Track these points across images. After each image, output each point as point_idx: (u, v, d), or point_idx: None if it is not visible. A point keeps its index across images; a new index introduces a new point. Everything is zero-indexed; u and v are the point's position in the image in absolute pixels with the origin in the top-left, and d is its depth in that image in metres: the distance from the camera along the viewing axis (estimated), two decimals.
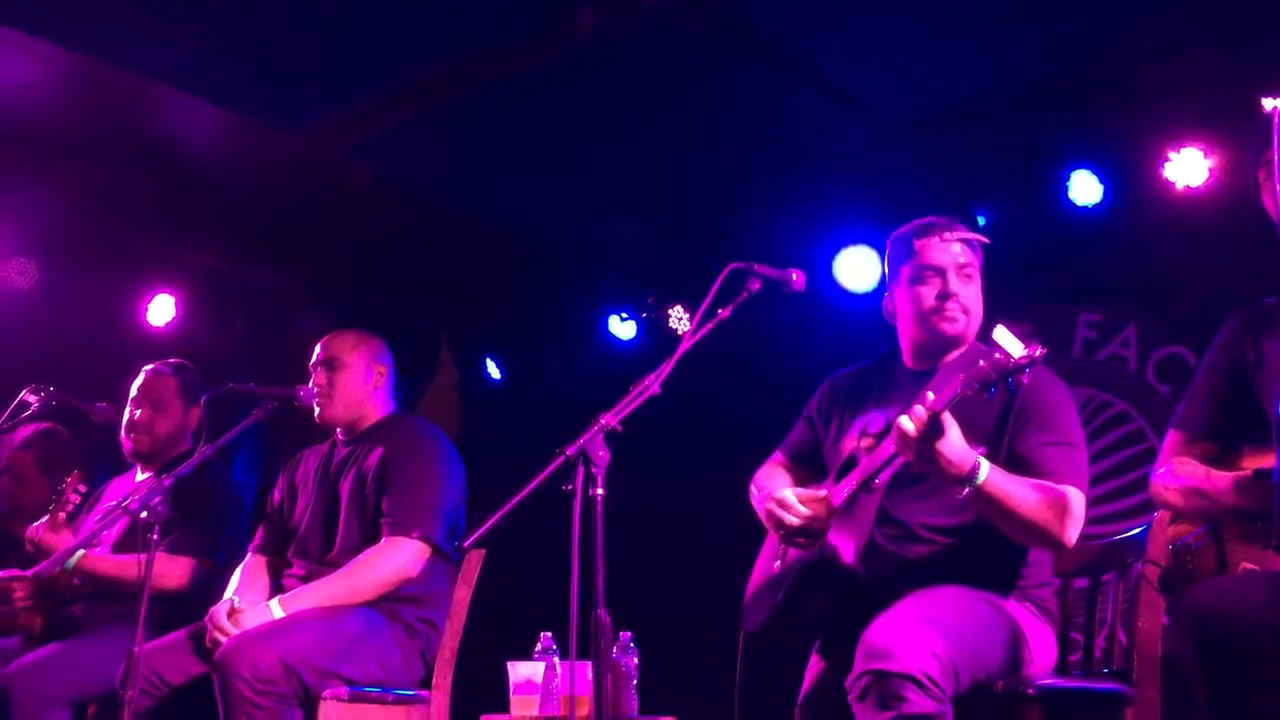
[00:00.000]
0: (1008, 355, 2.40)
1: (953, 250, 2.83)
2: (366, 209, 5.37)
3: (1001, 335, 2.43)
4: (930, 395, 2.46)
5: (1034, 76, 4.47)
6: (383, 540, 3.29)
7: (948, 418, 2.45)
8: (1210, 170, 4.30)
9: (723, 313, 2.61)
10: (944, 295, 2.81)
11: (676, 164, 5.16)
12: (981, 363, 2.43)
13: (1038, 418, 2.69)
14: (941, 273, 2.82)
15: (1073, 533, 2.59)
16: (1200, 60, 4.10)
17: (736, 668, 2.89)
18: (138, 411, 3.83)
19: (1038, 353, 2.39)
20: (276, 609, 3.19)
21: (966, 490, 2.50)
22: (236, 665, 2.96)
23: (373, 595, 3.27)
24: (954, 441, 2.46)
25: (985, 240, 2.89)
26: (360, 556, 3.29)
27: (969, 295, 2.83)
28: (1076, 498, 2.60)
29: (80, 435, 4.22)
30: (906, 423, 2.45)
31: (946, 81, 4.58)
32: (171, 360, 3.96)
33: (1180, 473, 2.64)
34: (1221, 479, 2.53)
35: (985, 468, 2.50)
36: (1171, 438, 2.74)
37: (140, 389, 3.86)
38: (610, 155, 5.11)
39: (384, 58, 4.45)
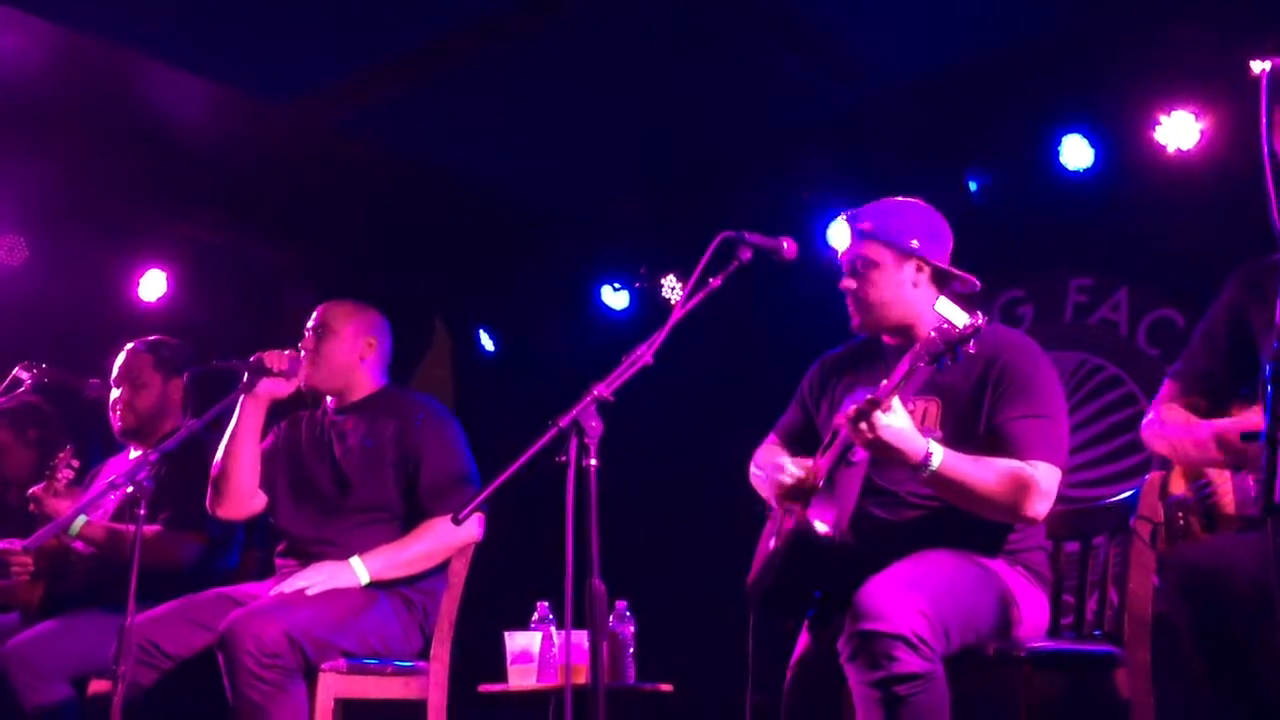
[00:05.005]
0: (952, 326, 2.43)
1: (847, 245, 2.90)
2: (357, 182, 5.36)
3: (944, 306, 2.47)
4: (883, 382, 2.50)
5: (1024, 40, 4.47)
6: (440, 519, 3.34)
7: (896, 404, 2.48)
8: (1201, 133, 4.29)
9: (714, 282, 2.61)
10: (843, 292, 2.90)
11: (670, 132, 5.15)
12: (933, 334, 2.47)
13: (1013, 389, 2.71)
14: (840, 269, 2.91)
15: (1038, 507, 2.61)
16: (1191, 22, 4.08)
17: (749, 650, 2.91)
18: (118, 391, 3.86)
19: (980, 320, 2.43)
20: (360, 568, 3.25)
21: (922, 476, 2.54)
22: (242, 639, 2.97)
23: (443, 558, 3.37)
24: (903, 430, 2.49)
25: (867, 227, 2.89)
26: (429, 529, 3.34)
27: (863, 287, 2.86)
28: (1045, 472, 2.62)
29: (73, 412, 4.22)
30: (850, 409, 2.50)
31: (937, 47, 4.58)
32: (149, 337, 3.97)
33: (1166, 419, 2.68)
34: (1201, 430, 2.56)
35: (938, 455, 2.53)
36: (1166, 387, 2.77)
37: (119, 369, 3.89)
38: (603, 125, 5.10)
39: (374, 27, 4.42)
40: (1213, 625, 2.16)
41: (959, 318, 2.43)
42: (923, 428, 2.62)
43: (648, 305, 5.68)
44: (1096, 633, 2.90)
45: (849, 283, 2.88)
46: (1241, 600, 2.12)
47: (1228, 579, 2.14)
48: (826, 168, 5.02)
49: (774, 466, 2.80)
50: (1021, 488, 2.59)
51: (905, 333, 2.86)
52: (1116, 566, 2.87)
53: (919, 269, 2.87)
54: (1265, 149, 2.06)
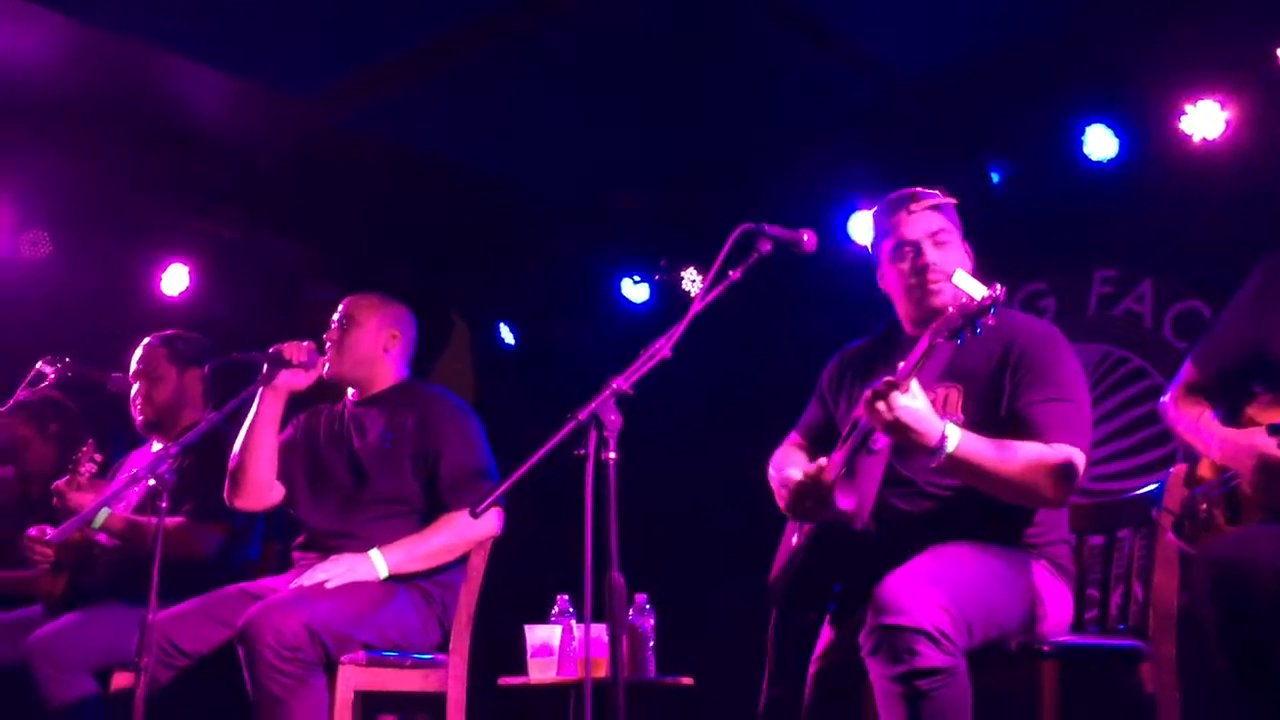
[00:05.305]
0: (970, 299, 2.40)
1: (922, 220, 2.83)
2: (378, 175, 5.36)
3: (961, 279, 2.44)
4: (902, 365, 2.47)
5: (1047, 30, 4.42)
6: (459, 513, 3.34)
7: (915, 386, 2.45)
8: (1227, 122, 4.24)
9: (733, 275, 2.60)
10: (921, 268, 2.82)
11: (690, 125, 5.13)
12: (951, 310, 2.44)
13: (1033, 373, 2.68)
14: (916, 246, 2.83)
15: (1061, 491, 2.59)
16: (1216, 11, 4.04)
17: (769, 644, 2.90)
18: (135, 385, 3.90)
19: (999, 291, 2.40)
20: (379, 561, 3.26)
21: (939, 459, 2.50)
22: (262, 633, 2.98)
23: (462, 552, 3.37)
24: (919, 410, 2.46)
25: (953, 201, 2.87)
26: (448, 522, 3.35)
27: (946, 260, 2.81)
28: (1069, 454, 2.59)
29: (97, 406, 4.25)
30: (868, 391, 2.47)
31: (959, 36, 4.54)
32: (165, 332, 4.00)
33: (1183, 412, 2.70)
34: (1210, 435, 2.56)
35: (955, 436, 2.50)
36: (1186, 370, 2.75)
37: (136, 364, 3.93)
38: (622, 117, 5.08)
39: (394, 20, 4.42)
40: (1238, 620, 2.14)
41: (977, 290, 2.41)
42: (944, 413, 2.59)
43: (668, 298, 5.67)
44: (1121, 627, 2.87)
45: (933, 256, 2.81)
46: (1267, 595, 2.10)
47: (1253, 574, 2.12)
48: (847, 160, 5.00)
49: (781, 480, 2.78)
50: (1044, 471, 2.56)
51: (935, 318, 2.83)
52: (1141, 560, 2.85)
53: (967, 252, 2.88)
54: None
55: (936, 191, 2.92)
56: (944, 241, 2.83)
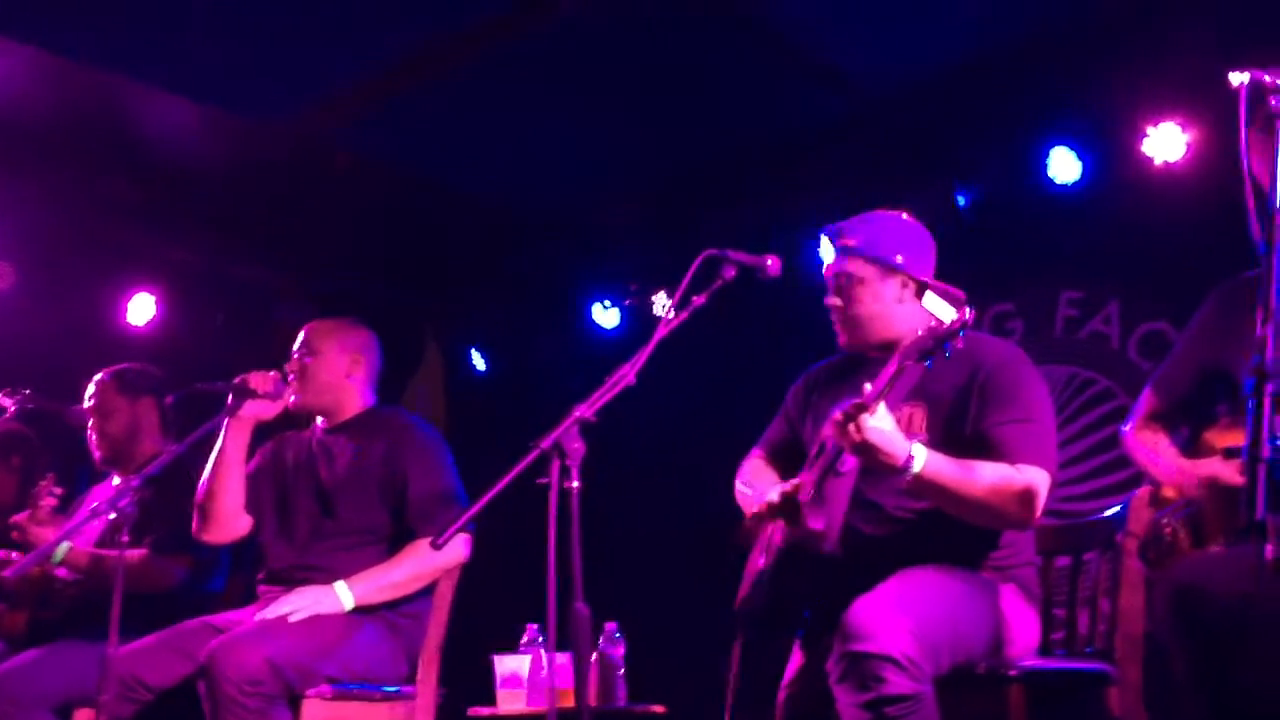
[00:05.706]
0: (940, 322, 2.41)
1: (833, 259, 2.87)
2: (347, 200, 5.35)
3: (931, 302, 2.45)
4: (868, 386, 2.48)
5: (1008, 54, 4.47)
6: (426, 541, 3.30)
7: (882, 408, 2.46)
8: (1189, 145, 4.28)
9: (698, 300, 2.60)
10: (827, 309, 2.88)
11: (662, 147, 5.14)
12: (920, 332, 2.45)
13: (998, 395, 2.69)
14: (825, 285, 2.88)
15: (1027, 512, 2.59)
16: (1177, 34, 4.08)
17: (732, 670, 2.88)
18: (90, 422, 3.88)
19: (968, 315, 2.41)
20: (344, 593, 3.21)
21: (906, 480, 2.50)
22: (223, 667, 2.94)
23: (429, 580, 3.34)
24: (887, 432, 2.47)
25: (851, 244, 2.85)
26: (414, 551, 3.31)
27: (848, 304, 2.84)
28: (1035, 476, 2.59)
29: (60, 439, 4.21)
30: (837, 413, 2.47)
31: (924, 59, 4.58)
32: (116, 366, 3.97)
33: (1141, 441, 2.70)
34: (1167, 466, 2.58)
35: (921, 457, 2.50)
36: (1146, 397, 2.76)
37: (88, 401, 3.91)
38: (591, 141, 5.09)
39: (361, 43, 4.42)
40: (1198, 645, 2.14)
41: (947, 313, 2.41)
42: (909, 433, 2.60)
43: (639, 323, 5.67)
44: (1088, 650, 2.87)
45: (834, 300, 2.86)
46: (1226, 619, 2.10)
47: (1211, 599, 2.12)
48: (815, 182, 5.02)
49: (754, 496, 2.77)
50: (1010, 492, 2.56)
51: (891, 348, 2.83)
52: (1108, 582, 2.85)
53: (904, 284, 2.84)
54: (1244, 165, 2.05)
55: (899, 213, 2.91)
56: (848, 287, 2.84)
